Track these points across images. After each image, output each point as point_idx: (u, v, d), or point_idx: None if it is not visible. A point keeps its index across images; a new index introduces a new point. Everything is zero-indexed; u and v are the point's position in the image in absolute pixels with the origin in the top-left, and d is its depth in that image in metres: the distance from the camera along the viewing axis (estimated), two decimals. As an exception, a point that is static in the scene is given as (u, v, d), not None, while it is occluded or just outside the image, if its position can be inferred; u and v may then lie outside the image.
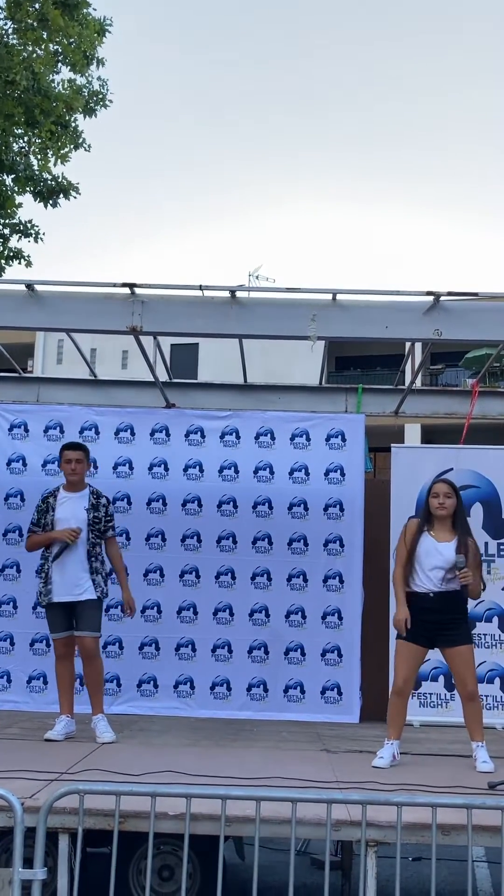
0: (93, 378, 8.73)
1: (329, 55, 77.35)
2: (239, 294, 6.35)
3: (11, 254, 12.35)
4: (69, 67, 12.27)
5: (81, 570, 6.08)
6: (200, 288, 6.26)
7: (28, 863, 3.50)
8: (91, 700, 6.12)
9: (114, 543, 6.33)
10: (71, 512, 6.14)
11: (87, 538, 6.13)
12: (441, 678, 7.28)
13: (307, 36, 76.44)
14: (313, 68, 76.47)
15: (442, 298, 6.16)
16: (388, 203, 69.30)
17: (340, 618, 7.53)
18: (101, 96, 12.70)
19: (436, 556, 5.57)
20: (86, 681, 6.21)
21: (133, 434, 7.90)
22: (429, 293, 6.14)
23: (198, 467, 7.83)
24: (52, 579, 6.07)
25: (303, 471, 7.80)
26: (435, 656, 7.29)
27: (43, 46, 11.70)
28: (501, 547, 7.51)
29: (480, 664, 7.28)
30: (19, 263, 12.48)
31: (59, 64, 12.17)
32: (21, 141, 12.19)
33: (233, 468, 7.81)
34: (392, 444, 7.87)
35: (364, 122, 72.84)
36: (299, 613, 7.59)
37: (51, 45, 11.86)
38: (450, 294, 6.15)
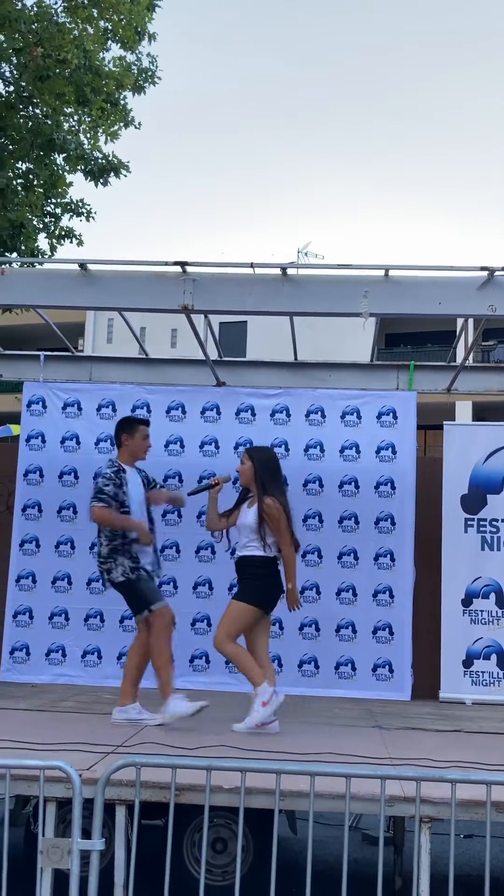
0: (144, 357, 8.79)
1: (389, 24, 76.26)
2: (290, 271, 6.32)
3: (63, 233, 12.42)
4: (119, 45, 12.25)
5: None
6: (252, 266, 6.24)
7: (86, 833, 3.57)
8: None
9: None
10: (136, 492, 5.87)
11: (149, 519, 5.98)
12: (494, 656, 7.25)
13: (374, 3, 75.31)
14: (370, 38, 75.49)
15: (496, 273, 6.08)
16: (435, 176, 68.47)
17: (392, 595, 7.53)
18: (150, 73, 12.66)
19: (241, 522, 5.85)
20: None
21: (184, 412, 7.94)
22: (483, 268, 6.06)
23: (248, 445, 7.84)
24: (139, 558, 5.74)
25: (353, 448, 7.78)
26: (488, 635, 7.30)
27: (93, 24, 11.68)
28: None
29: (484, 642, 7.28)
30: (71, 242, 12.55)
31: (109, 41, 12.15)
32: (71, 120, 12.22)
33: (283, 446, 7.82)
34: (445, 422, 7.83)
35: (411, 99, 71.88)
36: (350, 591, 7.60)
37: (101, 23, 11.84)
38: (505, 269, 6.07)
